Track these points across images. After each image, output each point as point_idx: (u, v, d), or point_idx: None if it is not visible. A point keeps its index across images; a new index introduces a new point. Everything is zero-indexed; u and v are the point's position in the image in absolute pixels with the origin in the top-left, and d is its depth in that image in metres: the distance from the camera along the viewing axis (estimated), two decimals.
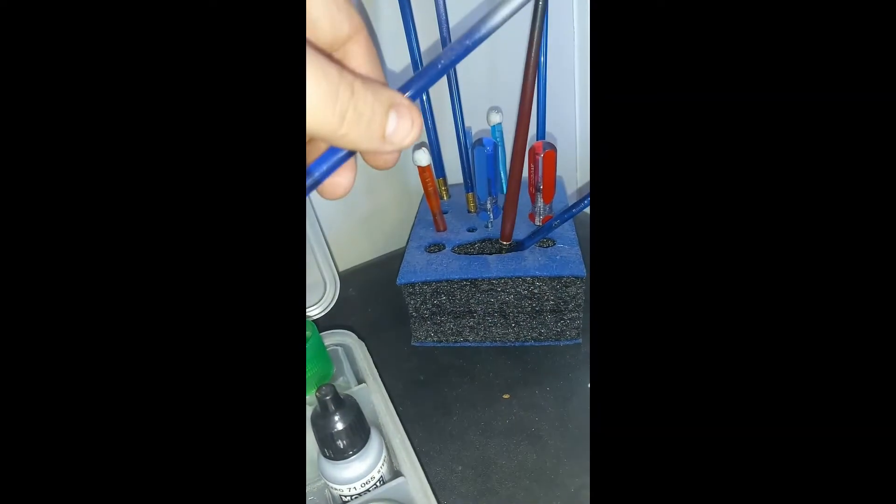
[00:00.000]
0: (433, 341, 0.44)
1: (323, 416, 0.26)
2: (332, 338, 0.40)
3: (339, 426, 0.26)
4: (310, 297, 0.43)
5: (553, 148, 0.40)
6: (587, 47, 0.60)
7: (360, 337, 0.42)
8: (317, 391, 0.26)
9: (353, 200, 0.60)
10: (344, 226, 0.61)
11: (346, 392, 0.30)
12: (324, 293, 0.43)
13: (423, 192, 0.45)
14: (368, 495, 0.27)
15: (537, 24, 0.31)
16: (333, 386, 0.26)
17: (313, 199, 0.50)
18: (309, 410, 0.29)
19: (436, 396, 0.41)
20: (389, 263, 0.59)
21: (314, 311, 0.45)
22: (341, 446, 0.26)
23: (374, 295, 0.53)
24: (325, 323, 0.48)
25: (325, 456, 0.27)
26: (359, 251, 0.62)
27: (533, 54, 0.33)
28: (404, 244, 0.57)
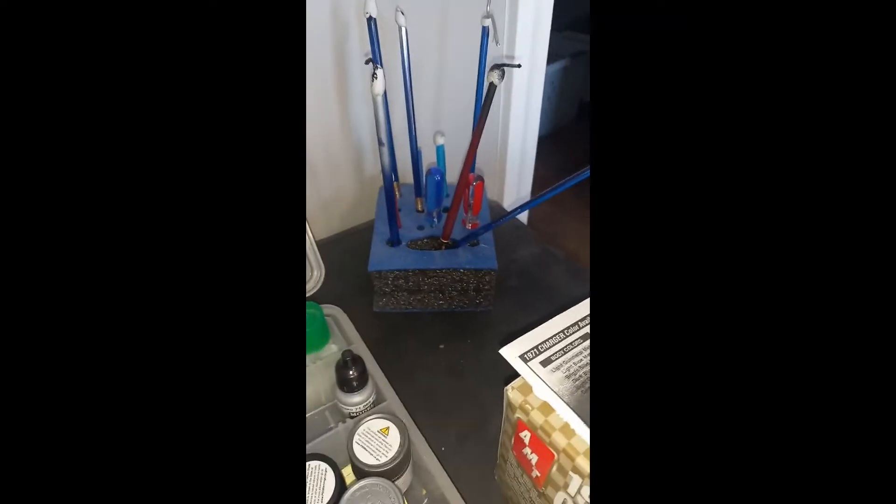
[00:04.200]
0: (390, 308, 0.62)
1: (344, 367, 0.43)
2: (324, 310, 0.55)
3: (353, 373, 0.43)
4: None
5: (482, 179, 0.57)
6: (510, 104, 0.78)
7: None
8: (343, 353, 0.42)
9: (317, 184, 0.72)
10: (308, 207, 0.73)
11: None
12: (311, 276, 0.57)
13: (378, 182, 0.58)
14: (369, 411, 0.45)
15: (487, 107, 0.47)
16: (351, 350, 0.42)
17: None
18: (313, 367, 0.45)
19: (393, 347, 0.58)
20: (346, 241, 0.73)
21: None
22: (354, 385, 0.43)
23: (336, 268, 0.67)
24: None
25: (342, 389, 0.44)
26: (319, 229, 0.75)
27: (479, 128, 0.49)
28: (357, 224, 0.71)
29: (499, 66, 0.43)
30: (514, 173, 0.91)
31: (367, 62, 0.43)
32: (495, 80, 0.44)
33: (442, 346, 0.59)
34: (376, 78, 0.43)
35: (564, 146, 1.92)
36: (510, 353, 0.37)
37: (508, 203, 0.95)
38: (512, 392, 0.36)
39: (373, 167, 0.75)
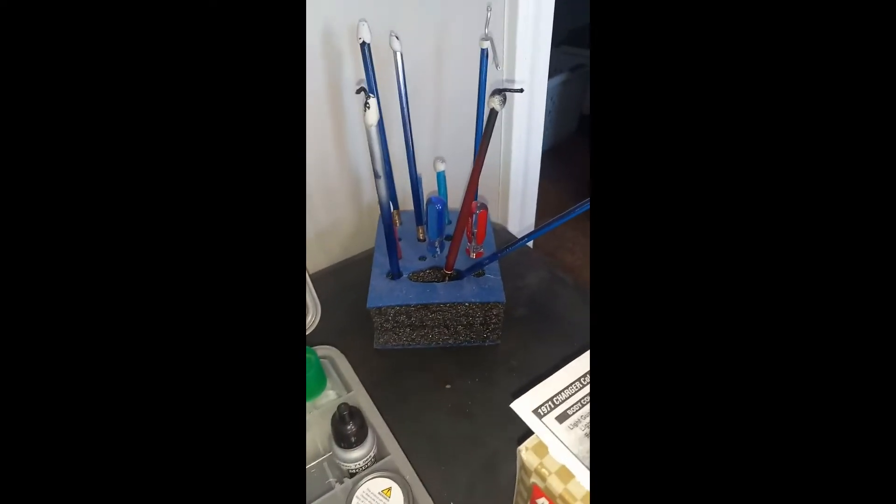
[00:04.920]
0: (392, 345, 0.58)
1: (342, 422, 0.39)
2: (319, 352, 0.52)
3: (351, 428, 0.39)
4: None
5: (485, 207, 0.54)
6: (511, 124, 0.76)
7: (327, 341, 0.53)
8: (339, 406, 0.38)
9: (313, 215, 0.69)
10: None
11: (343, 401, 0.43)
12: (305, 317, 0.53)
13: (377, 210, 0.56)
14: (370, 467, 0.42)
15: (488, 133, 0.44)
16: (348, 403, 0.39)
17: None
18: (309, 416, 0.41)
19: (396, 388, 0.55)
20: (343, 272, 0.70)
21: None
22: (352, 441, 0.40)
23: (334, 302, 0.64)
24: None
25: (339, 445, 0.40)
26: (316, 261, 0.72)
27: (481, 155, 0.46)
28: (355, 254, 0.68)
29: (500, 92, 0.40)
30: (517, 194, 0.88)
31: (358, 91, 0.41)
32: (497, 106, 0.41)
33: (448, 386, 0.55)
34: (369, 108, 0.41)
35: (566, 159, 1.90)
36: (522, 407, 0.34)
37: (512, 225, 0.92)
38: (526, 454, 0.32)
39: (371, 195, 0.72)
